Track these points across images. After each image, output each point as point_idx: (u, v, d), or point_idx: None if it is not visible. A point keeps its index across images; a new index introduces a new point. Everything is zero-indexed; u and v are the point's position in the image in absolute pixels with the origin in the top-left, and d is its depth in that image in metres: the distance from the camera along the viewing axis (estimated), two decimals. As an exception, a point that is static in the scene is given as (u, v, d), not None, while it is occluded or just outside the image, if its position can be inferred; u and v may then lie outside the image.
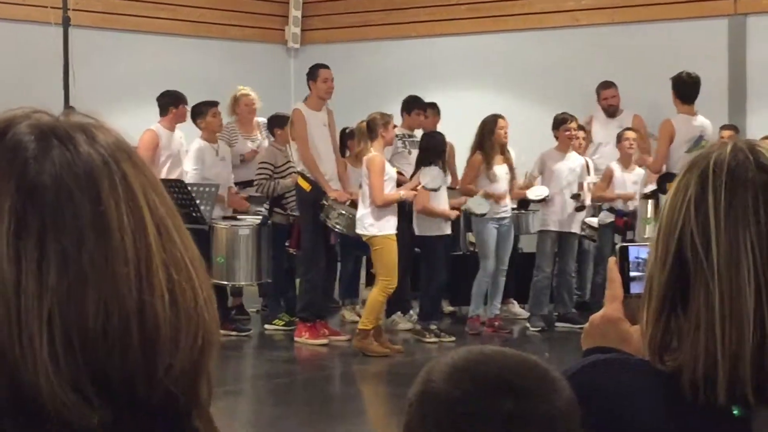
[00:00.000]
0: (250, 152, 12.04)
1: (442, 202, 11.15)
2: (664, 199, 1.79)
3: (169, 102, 11.63)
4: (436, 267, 11.22)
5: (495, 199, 11.37)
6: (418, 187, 10.80)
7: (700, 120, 11.26)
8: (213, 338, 1.21)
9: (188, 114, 11.65)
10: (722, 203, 1.68)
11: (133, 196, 1.17)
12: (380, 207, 10.41)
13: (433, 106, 12.84)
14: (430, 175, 10.84)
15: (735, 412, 1.64)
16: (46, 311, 1.11)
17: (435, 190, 10.89)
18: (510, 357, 1.57)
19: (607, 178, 12.20)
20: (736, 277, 1.65)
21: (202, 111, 11.49)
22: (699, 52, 13.52)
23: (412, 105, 12.36)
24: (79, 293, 1.12)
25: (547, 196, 11.72)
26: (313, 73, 11.30)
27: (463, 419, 1.52)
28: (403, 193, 10.63)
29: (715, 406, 1.65)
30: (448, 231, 11.34)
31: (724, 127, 12.46)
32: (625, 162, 12.23)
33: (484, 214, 11.37)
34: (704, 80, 13.05)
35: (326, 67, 11.34)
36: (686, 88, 11.25)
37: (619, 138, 12.26)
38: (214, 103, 11.61)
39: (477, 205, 11.36)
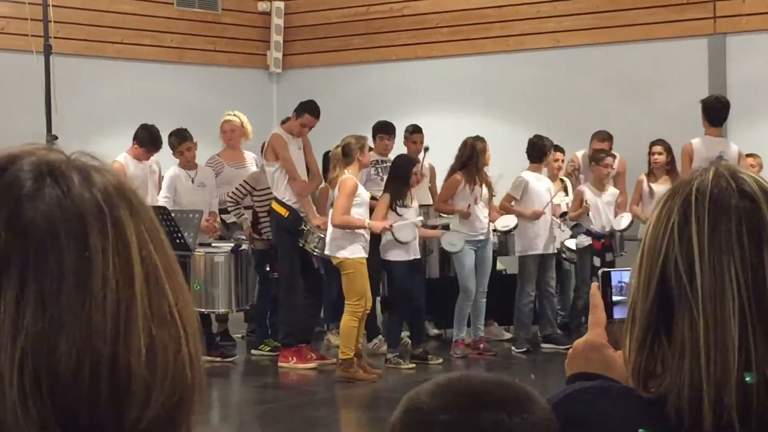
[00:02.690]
0: (248, 230, 11.90)
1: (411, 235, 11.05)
2: (646, 225, 1.79)
3: (135, 135, 11.57)
4: (401, 293, 11.14)
5: (464, 216, 11.35)
6: (388, 229, 10.70)
7: (723, 141, 11.49)
8: (194, 394, 1.19)
9: (150, 156, 11.56)
10: (705, 231, 1.68)
11: (125, 243, 1.15)
12: (336, 227, 10.38)
13: (419, 130, 12.78)
14: (404, 228, 10.77)
15: (747, 379, 1.64)
16: (18, 352, 1.09)
17: (402, 243, 10.84)
18: (489, 376, 1.62)
19: (578, 200, 12.23)
20: (720, 305, 1.65)
21: (173, 144, 11.45)
22: (679, 71, 13.59)
23: (378, 130, 12.32)
24: (52, 338, 1.10)
25: (515, 227, 11.76)
26: (301, 112, 11.29)
27: (446, 430, 1.53)
28: (369, 223, 10.51)
29: (701, 433, 1.66)
30: (415, 256, 11.20)
31: (750, 155, 12.45)
32: (599, 185, 12.26)
33: (459, 252, 11.35)
34: (685, 99, 13.15)
35: (316, 114, 11.29)
36: (715, 112, 11.48)
37: (598, 160, 12.29)
38: (188, 137, 11.54)
39: (450, 244, 11.34)
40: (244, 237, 11.68)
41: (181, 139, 11.46)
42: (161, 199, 11.23)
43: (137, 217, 1.18)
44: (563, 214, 12.16)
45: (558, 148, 12.65)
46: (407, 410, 1.58)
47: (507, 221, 11.82)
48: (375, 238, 10.84)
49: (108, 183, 1.18)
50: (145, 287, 1.15)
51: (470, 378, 1.60)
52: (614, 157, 12.57)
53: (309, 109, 11.32)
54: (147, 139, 11.53)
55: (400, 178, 10.99)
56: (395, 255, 10.95)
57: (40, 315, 1.10)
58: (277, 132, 11.34)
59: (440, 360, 11.27)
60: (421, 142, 12.63)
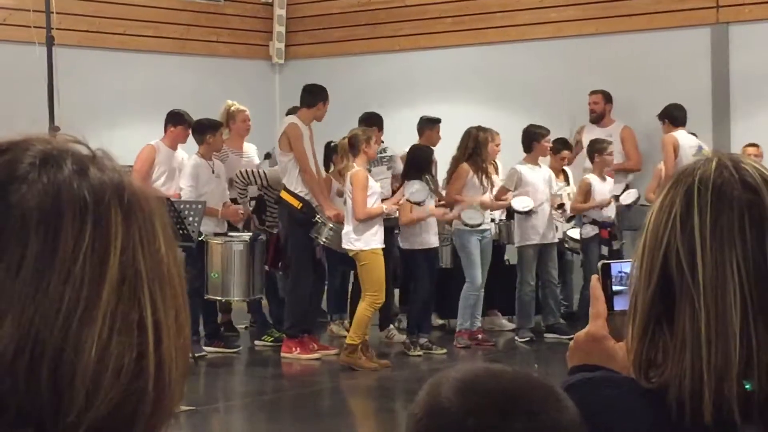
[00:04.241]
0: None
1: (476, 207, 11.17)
2: (648, 214, 1.78)
3: (168, 120, 11.65)
4: (421, 281, 11.22)
5: (486, 208, 11.40)
6: (401, 201, 10.82)
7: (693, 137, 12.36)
8: (158, 408, 1.15)
9: (188, 135, 11.62)
10: (708, 222, 1.68)
11: (104, 244, 1.12)
12: (362, 221, 10.41)
13: (440, 121, 12.73)
14: (414, 188, 10.86)
15: (747, 386, 1.64)
16: None
17: (419, 203, 10.91)
18: (516, 375, 1.57)
19: (584, 190, 12.21)
20: (722, 297, 1.65)
21: (215, 127, 11.46)
22: (682, 61, 13.56)
23: (362, 122, 12.27)
24: None
25: (534, 208, 11.75)
26: (325, 95, 11.35)
27: None
28: (386, 207, 10.62)
29: (701, 424, 1.66)
30: (435, 244, 11.35)
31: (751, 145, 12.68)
32: (601, 174, 12.27)
33: (479, 225, 11.38)
34: (687, 89, 13.16)
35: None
36: (676, 119, 12.42)
37: (601, 151, 12.29)
38: (221, 124, 11.67)
39: (470, 217, 11.37)
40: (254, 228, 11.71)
41: (216, 126, 11.51)
42: (185, 188, 11.23)
43: (131, 221, 1.15)
44: (560, 206, 12.11)
45: (567, 146, 12.66)
46: (432, 407, 1.54)
47: (526, 202, 11.78)
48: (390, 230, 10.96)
49: (106, 179, 1.16)
50: (115, 290, 1.12)
51: (497, 376, 1.55)
52: (611, 143, 12.61)
53: (325, 89, 11.40)
54: (173, 117, 11.59)
55: (420, 168, 11.04)
56: (414, 244, 11.04)
57: None
58: (293, 122, 11.29)
59: (444, 350, 11.29)
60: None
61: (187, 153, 11.68)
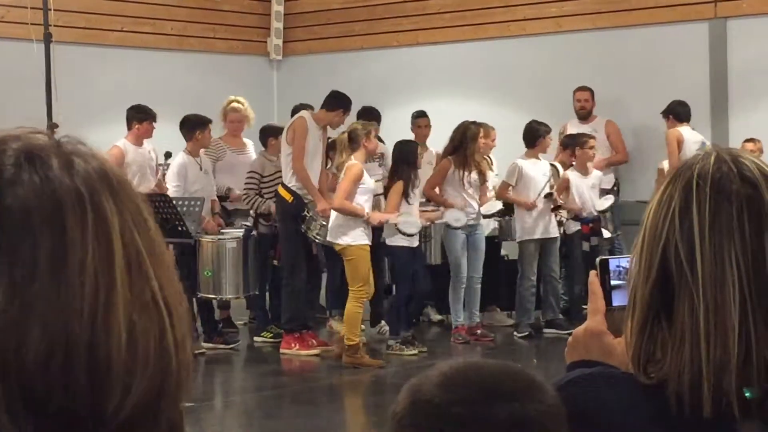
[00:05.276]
0: (235, 195, 11.92)
1: (412, 215, 11.05)
2: (647, 209, 1.78)
3: (133, 117, 11.57)
4: (401, 278, 11.17)
5: (449, 207, 11.36)
6: (395, 221, 10.70)
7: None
8: (179, 382, 1.17)
9: (153, 129, 11.59)
10: (706, 216, 1.68)
11: (105, 230, 1.13)
12: (336, 210, 10.38)
13: (424, 114, 12.80)
14: (409, 222, 10.77)
15: (747, 394, 1.64)
16: None
17: (408, 235, 10.83)
18: (494, 365, 1.59)
19: (563, 186, 12.21)
20: (720, 290, 1.65)
21: (204, 123, 11.42)
22: (680, 56, 13.57)
23: (359, 117, 12.27)
24: (21, 325, 1.09)
25: (500, 210, 11.77)
26: (347, 105, 11.26)
27: (459, 423, 1.52)
28: (369, 214, 10.51)
29: (700, 419, 1.65)
30: (415, 243, 11.17)
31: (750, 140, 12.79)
32: (583, 168, 12.28)
33: (462, 227, 11.36)
34: (686, 84, 13.17)
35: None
36: (679, 113, 12.62)
37: (582, 144, 12.31)
38: (210, 120, 11.62)
39: (454, 219, 11.36)
40: (248, 224, 11.68)
41: (208, 121, 11.48)
42: (171, 188, 11.19)
43: (121, 203, 1.16)
44: (549, 195, 12.08)
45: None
46: (415, 402, 1.55)
47: (490, 206, 11.82)
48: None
49: (91, 169, 1.16)
50: (126, 273, 1.13)
51: (477, 368, 1.58)
52: (594, 138, 12.64)
53: (349, 103, 11.33)
54: (139, 112, 11.53)
55: (408, 162, 10.99)
56: (397, 240, 10.95)
57: (10, 302, 1.09)
58: (303, 116, 11.23)
59: (425, 348, 11.17)
60: (426, 126, 12.66)
61: (181, 149, 11.65)
